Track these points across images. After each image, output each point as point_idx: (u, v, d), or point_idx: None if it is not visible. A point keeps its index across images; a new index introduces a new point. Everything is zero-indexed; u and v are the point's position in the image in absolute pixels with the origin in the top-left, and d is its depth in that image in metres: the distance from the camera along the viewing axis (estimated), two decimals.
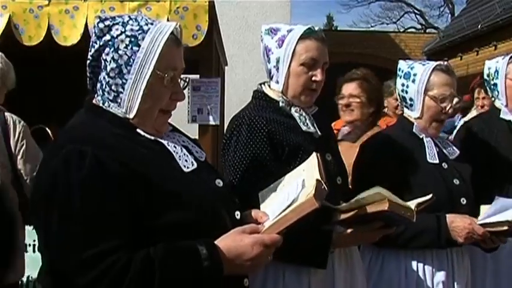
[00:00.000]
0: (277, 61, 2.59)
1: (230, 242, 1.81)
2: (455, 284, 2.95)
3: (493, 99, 3.74)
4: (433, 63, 3.05)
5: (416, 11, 35.80)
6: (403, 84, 3.05)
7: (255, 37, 2.68)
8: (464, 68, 17.15)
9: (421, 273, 2.90)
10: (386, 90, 5.26)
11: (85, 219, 1.67)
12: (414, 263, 2.91)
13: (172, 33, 1.90)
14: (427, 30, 32.32)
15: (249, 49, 10.82)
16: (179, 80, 1.96)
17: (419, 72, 3.00)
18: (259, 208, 2.06)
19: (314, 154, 2.09)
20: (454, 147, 3.10)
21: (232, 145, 2.51)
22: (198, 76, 5.76)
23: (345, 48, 19.75)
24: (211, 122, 5.49)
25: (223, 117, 6.40)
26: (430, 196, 2.51)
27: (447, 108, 2.99)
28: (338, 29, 35.37)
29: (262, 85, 2.70)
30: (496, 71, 3.61)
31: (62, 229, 1.68)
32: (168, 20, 4.98)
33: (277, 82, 2.62)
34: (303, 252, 2.43)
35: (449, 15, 32.85)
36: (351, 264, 2.65)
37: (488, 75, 3.69)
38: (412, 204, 2.43)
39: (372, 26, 35.76)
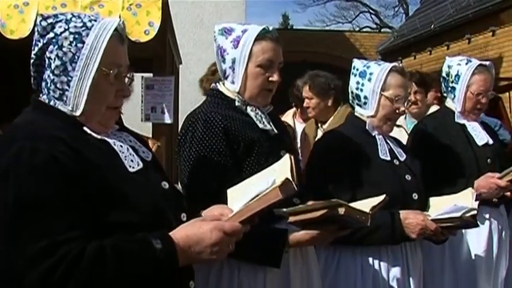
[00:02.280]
0: (233, 62, 2.57)
1: (189, 228, 1.80)
2: (410, 278, 3.00)
3: (445, 94, 3.78)
4: (389, 64, 3.09)
5: (371, 11, 36.20)
6: (358, 83, 3.07)
7: (210, 36, 2.67)
8: (418, 67, 17.37)
9: (377, 269, 2.93)
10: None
11: (38, 213, 1.65)
12: (370, 259, 2.93)
13: (116, 30, 1.89)
14: (382, 30, 32.69)
15: (204, 47, 10.79)
16: (124, 77, 1.94)
17: (375, 72, 3.03)
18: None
19: (287, 155, 2.07)
20: (402, 150, 3.14)
21: (188, 141, 2.49)
22: (151, 74, 5.71)
23: (301, 47, 19.84)
24: (165, 121, 5.45)
25: (177, 116, 6.36)
26: (383, 197, 2.55)
27: (401, 109, 3.04)
28: (294, 28, 35.51)
29: (217, 83, 2.68)
30: (458, 76, 3.64)
31: (15, 223, 1.65)
32: (120, 17, 4.91)
33: (233, 82, 2.61)
34: (257, 252, 2.42)
35: (404, 15, 33.28)
36: (306, 263, 2.65)
37: (447, 75, 3.72)
38: (367, 207, 2.45)
39: (327, 25, 36.02)
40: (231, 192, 2.05)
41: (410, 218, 2.87)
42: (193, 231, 1.78)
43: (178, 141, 2.56)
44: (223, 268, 2.47)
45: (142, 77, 5.76)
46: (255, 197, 1.84)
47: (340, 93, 4.60)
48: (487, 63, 3.69)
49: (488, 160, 3.58)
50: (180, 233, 1.77)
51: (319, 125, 4.74)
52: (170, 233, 1.76)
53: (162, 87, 5.45)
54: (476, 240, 3.51)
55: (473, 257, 3.52)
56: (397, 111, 3.03)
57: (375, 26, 35.85)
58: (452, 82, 3.67)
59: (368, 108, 3.06)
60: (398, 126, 4.23)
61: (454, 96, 3.67)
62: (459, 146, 3.57)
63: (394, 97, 3.01)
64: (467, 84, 3.60)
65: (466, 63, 3.64)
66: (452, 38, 16.50)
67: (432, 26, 17.46)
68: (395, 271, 2.95)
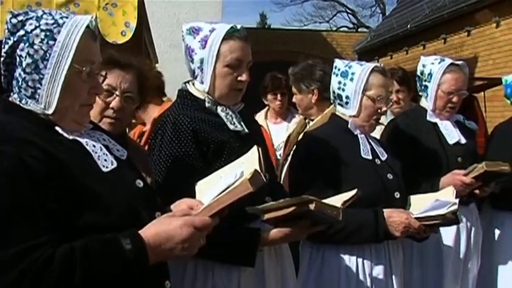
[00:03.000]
0: (201, 62, 2.56)
1: (158, 226, 1.78)
2: (393, 276, 3.02)
3: (420, 94, 3.80)
4: (371, 64, 3.12)
5: (348, 11, 36.36)
6: (339, 82, 3.09)
7: None
8: (394, 66, 17.48)
9: (360, 268, 2.95)
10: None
11: (6, 219, 1.63)
12: (354, 258, 2.95)
13: (88, 27, 1.87)
14: (359, 30, 32.83)
15: (180, 47, 10.67)
16: (97, 74, 1.92)
17: (357, 72, 3.05)
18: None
19: (255, 147, 2.08)
20: (383, 149, 3.16)
21: (158, 144, 2.48)
22: None
23: (278, 46, 19.88)
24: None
25: None
26: (354, 192, 2.57)
27: (383, 109, 3.06)
28: (271, 27, 35.53)
29: (187, 84, 2.67)
30: (430, 74, 3.67)
31: None
32: (96, 16, 4.88)
33: (202, 82, 2.60)
34: (231, 251, 2.42)
35: (381, 15, 33.48)
36: (281, 262, 2.66)
37: (421, 73, 3.75)
38: (338, 202, 2.47)
39: (304, 25, 36.10)
40: (199, 185, 2.05)
41: (394, 217, 2.90)
42: (163, 228, 1.77)
43: (149, 144, 2.56)
44: (197, 269, 2.47)
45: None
46: (224, 190, 1.83)
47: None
48: (460, 62, 3.73)
49: (459, 159, 3.61)
50: (150, 231, 1.76)
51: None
52: (140, 232, 1.75)
53: None
54: (443, 237, 3.54)
55: (440, 254, 3.55)
56: (379, 110, 3.06)
57: (352, 25, 36.02)
58: (425, 81, 3.70)
59: (350, 108, 3.08)
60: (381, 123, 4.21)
61: (427, 94, 3.70)
62: (430, 144, 3.61)
63: (376, 97, 3.03)
64: (439, 83, 3.64)
65: (439, 63, 3.67)
66: (428, 37, 16.63)
67: (408, 26, 17.58)
68: (379, 269, 2.97)
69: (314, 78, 3.99)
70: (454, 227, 3.52)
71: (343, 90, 3.07)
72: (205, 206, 1.84)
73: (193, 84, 2.65)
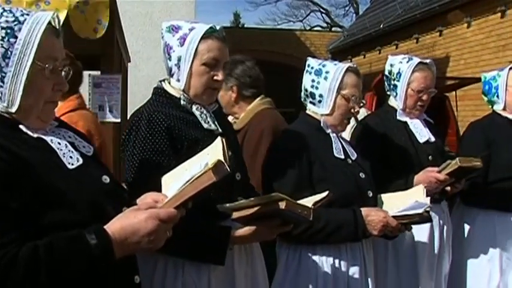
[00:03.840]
0: (179, 60, 2.56)
1: (123, 220, 1.77)
2: (368, 275, 3.05)
3: (388, 94, 3.82)
4: (345, 64, 3.12)
5: (322, 10, 36.53)
6: (313, 81, 3.09)
7: (159, 34, 2.64)
8: (367, 66, 17.60)
9: (337, 268, 2.96)
10: None
11: None
12: (330, 259, 2.96)
13: (50, 23, 1.85)
14: (333, 29, 32.99)
15: (153, 46, 10.69)
16: (61, 70, 1.90)
17: (331, 71, 3.06)
18: None
19: (219, 138, 2.06)
20: (353, 149, 3.18)
21: (131, 140, 2.48)
22: (99, 72, 5.63)
23: (252, 45, 19.85)
24: (113, 119, 5.38)
25: (126, 115, 6.30)
26: (326, 193, 2.58)
27: (355, 109, 3.08)
28: (245, 26, 35.55)
29: (163, 82, 2.67)
30: (399, 73, 3.69)
31: None
32: (68, 14, 4.83)
33: (178, 80, 2.60)
34: (201, 249, 2.42)
35: (354, 15, 33.66)
36: (251, 260, 2.66)
37: (390, 73, 3.76)
38: (309, 203, 2.48)
39: (278, 24, 36.21)
40: (165, 179, 2.04)
41: (372, 215, 2.92)
42: (128, 222, 1.76)
43: (123, 140, 2.54)
44: (167, 266, 2.47)
45: (89, 75, 5.68)
46: (188, 182, 1.83)
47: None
48: (428, 61, 3.75)
49: (430, 157, 3.63)
50: (115, 225, 1.75)
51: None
52: (105, 226, 1.74)
53: (109, 86, 5.39)
54: (418, 235, 3.56)
55: (415, 252, 3.58)
56: (352, 110, 3.07)
57: (325, 25, 36.19)
58: (394, 80, 3.72)
59: (323, 107, 3.08)
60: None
61: (396, 94, 3.72)
62: (401, 143, 3.63)
63: (350, 96, 3.04)
64: (408, 82, 3.65)
65: (407, 61, 3.69)
66: (401, 37, 16.75)
67: (381, 26, 17.69)
68: (354, 269, 2.99)
69: (233, 75, 3.77)
70: (428, 225, 3.54)
71: (317, 88, 3.08)
72: (169, 198, 1.84)
73: (169, 82, 2.65)
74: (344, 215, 2.88)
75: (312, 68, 3.11)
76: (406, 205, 2.97)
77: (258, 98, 3.78)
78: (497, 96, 4.00)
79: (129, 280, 1.92)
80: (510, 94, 3.95)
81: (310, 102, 3.14)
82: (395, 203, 3.01)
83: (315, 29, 33.66)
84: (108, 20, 4.94)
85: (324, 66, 3.08)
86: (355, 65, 3.20)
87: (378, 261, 3.36)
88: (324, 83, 3.05)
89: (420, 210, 2.91)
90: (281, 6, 49.46)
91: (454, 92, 11.57)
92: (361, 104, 3.15)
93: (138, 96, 7.47)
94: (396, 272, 3.57)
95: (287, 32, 24.76)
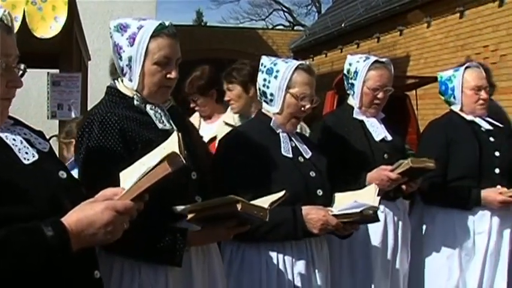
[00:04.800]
0: (130, 60, 2.52)
1: (80, 212, 1.76)
2: (316, 272, 3.04)
3: (348, 93, 3.85)
4: (296, 62, 3.12)
5: (284, 9, 36.67)
6: (264, 79, 3.10)
7: None
8: (329, 64, 17.72)
9: (281, 264, 2.95)
10: None
11: None
12: (274, 255, 2.96)
13: (1, 20, 1.82)
14: (295, 28, 33.12)
15: None
16: (15, 67, 1.88)
17: (282, 69, 3.06)
18: None
19: (175, 132, 2.06)
20: (308, 147, 3.18)
21: (85, 142, 2.44)
22: (58, 71, 5.56)
23: (214, 44, 19.85)
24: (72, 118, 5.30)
25: None
26: (283, 193, 2.58)
27: (306, 107, 3.07)
28: (207, 25, 35.47)
29: (116, 81, 2.63)
30: (356, 72, 3.71)
31: None
32: (24, 11, 4.76)
33: (131, 80, 2.56)
34: (158, 251, 2.40)
35: (317, 14, 33.85)
36: (208, 261, 2.65)
37: (348, 72, 3.78)
38: (266, 203, 2.48)
39: (241, 23, 36.24)
40: (123, 174, 2.03)
41: (311, 214, 2.92)
42: (84, 214, 1.75)
43: (76, 142, 2.51)
44: (124, 268, 2.44)
45: (48, 73, 5.61)
46: (144, 174, 1.83)
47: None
48: (384, 59, 3.77)
49: (385, 155, 3.65)
50: (72, 218, 1.74)
51: None
52: (62, 219, 1.73)
53: (69, 84, 5.33)
54: (371, 233, 3.58)
55: (369, 249, 3.59)
56: (303, 108, 3.07)
57: (288, 23, 36.31)
58: (351, 79, 3.74)
59: (274, 105, 3.09)
60: None
61: (354, 92, 3.74)
62: (356, 141, 3.64)
63: (299, 95, 3.04)
64: (364, 80, 3.67)
65: (364, 60, 3.71)
66: (362, 36, 16.89)
67: (343, 25, 17.81)
68: (300, 266, 2.98)
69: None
70: (382, 223, 3.56)
71: (268, 87, 3.08)
72: (126, 191, 1.83)
73: (121, 81, 2.61)
74: (283, 214, 2.86)
75: (265, 66, 3.11)
76: (347, 205, 2.97)
77: None
78: (454, 98, 4.05)
79: (88, 275, 1.91)
80: (466, 96, 4.00)
81: (264, 100, 3.15)
82: (345, 202, 3.02)
83: (278, 27, 33.75)
84: (66, 16, 4.87)
85: (275, 64, 3.08)
86: (308, 63, 3.20)
87: (333, 261, 3.37)
88: (274, 81, 3.05)
89: (358, 210, 2.90)
90: (244, 5, 49.51)
91: (414, 91, 11.69)
92: (315, 102, 3.14)
93: (98, 95, 7.37)
94: (351, 271, 3.58)
95: (249, 30, 24.76)
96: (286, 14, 36.84)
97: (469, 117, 4.02)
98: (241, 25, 34.45)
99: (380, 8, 15.82)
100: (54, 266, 1.70)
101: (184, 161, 1.87)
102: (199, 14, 42.16)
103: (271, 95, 3.07)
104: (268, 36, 22.99)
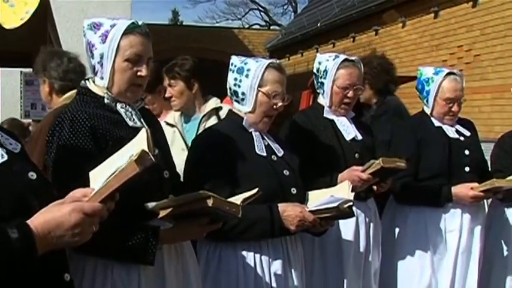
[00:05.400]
0: (101, 57, 2.52)
1: (47, 213, 1.73)
2: (292, 270, 3.04)
3: (318, 92, 3.85)
4: (266, 61, 3.12)
5: (260, 8, 36.71)
6: (235, 79, 3.09)
7: None
8: (304, 64, 17.77)
9: (258, 264, 2.95)
10: None
11: None
12: (251, 254, 2.95)
13: None
14: (271, 27, 33.17)
15: None
16: None
17: (253, 68, 3.05)
18: None
19: (143, 129, 2.06)
20: (280, 146, 3.18)
21: (55, 141, 2.43)
22: (31, 69, 5.49)
23: (190, 43, 19.80)
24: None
25: None
26: (256, 190, 2.59)
27: (278, 105, 3.06)
28: (183, 24, 35.39)
29: (87, 81, 2.63)
30: (325, 71, 3.69)
31: None
32: None
33: (102, 78, 2.56)
34: (130, 250, 2.39)
35: (293, 13, 33.92)
36: (182, 259, 2.64)
37: (317, 71, 3.77)
38: (238, 200, 2.48)
39: (217, 22, 36.21)
40: (93, 174, 2.01)
41: (288, 211, 2.91)
42: (51, 216, 1.72)
43: (47, 141, 2.49)
44: (96, 268, 2.43)
45: (21, 72, 5.55)
46: (113, 174, 1.81)
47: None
48: (354, 58, 3.77)
49: (356, 155, 3.66)
50: (38, 219, 1.71)
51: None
52: (28, 221, 1.70)
53: None
54: (343, 232, 3.59)
55: (340, 249, 3.60)
56: (275, 106, 3.06)
57: (264, 23, 36.36)
58: (321, 78, 3.73)
59: (246, 105, 3.08)
60: None
61: (323, 91, 3.73)
62: (327, 141, 3.64)
63: (271, 92, 3.04)
64: (334, 79, 3.66)
65: (334, 59, 3.70)
66: (338, 36, 16.96)
67: (319, 25, 17.88)
68: (277, 265, 2.98)
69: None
70: (353, 223, 3.58)
71: (239, 86, 3.08)
72: (95, 192, 1.81)
73: (93, 81, 2.61)
74: (260, 212, 2.87)
75: (235, 66, 3.11)
76: (323, 200, 2.97)
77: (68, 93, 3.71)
78: (427, 101, 4.07)
79: (58, 278, 1.88)
80: (438, 105, 4.03)
81: (235, 100, 3.14)
82: (320, 199, 3.02)
83: (254, 27, 33.77)
84: (36, 7, 4.80)
85: (245, 64, 3.08)
86: (278, 61, 3.20)
87: (305, 262, 3.36)
88: (246, 80, 3.05)
89: (335, 204, 2.91)
90: (220, 4, 49.41)
91: None
92: (287, 100, 3.13)
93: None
94: (323, 271, 3.59)
95: (226, 30, 24.77)
96: (262, 13, 36.91)
97: (437, 124, 4.06)
98: (217, 24, 34.44)
99: (355, 8, 15.90)
100: (21, 270, 1.66)
101: (153, 159, 1.86)
102: (175, 13, 42.06)
103: (243, 94, 3.07)
104: (244, 35, 23.00)
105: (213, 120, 4.07)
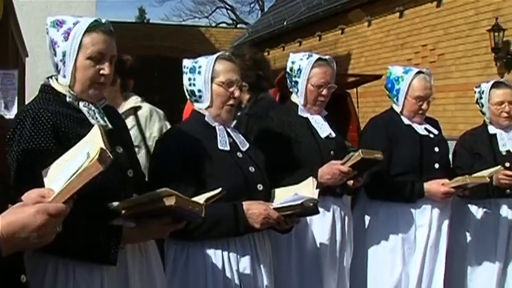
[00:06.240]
0: (64, 55, 2.49)
1: (10, 215, 1.70)
2: (261, 268, 3.04)
3: (290, 91, 3.87)
4: (214, 55, 3.14)
5: (227, 7, 36.65)
6: (189, 79, 3.12)
7: None
8: (271, 62, 17.77)
9: (226, 262, 2.95)
10: None
11: None
12: (219, 252, 2.94)
13: None
14: (238, 26, 33.15)
15: None
16: None
17: (203, 64, 3.08)
18: None
19: (96, 126, 2.06)
20: (245, 140, 3.19)
21: (16, 139, 2.40)
22: None
23: (156, 41, 19.69)
24: (8, 116, 5.17)
25: None
26: (219, 190, 2.58)
27: (235, 94, 3.09)
28: (150, 22, 35.20)
29: (50, 79, 2.60)
30: (299, 70, 3.74)
31: None
32: None
33: (65, 76, 2.53)
34: (92, 249, 2.37)
35: (260, 12, 33.94)
36: (146, 258, 2.62)
37: (291, 70, 3.81)
38: (201, 199, 2.47)
39: (184, 20, 36.06)
40: (46, 172, 1.99)
41: (253, 209, 2.92)
42: (15, 218, 1.69)
43: (8, 140, 2.45)
44: (58, 268, 2.39)
45: None
46: (74, 174, 1.80)
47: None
48: (327, 57, 3.82)
49: (331, 152, 3.69)
50: (1, 222, 1.68)
51: None
52: None
53: (4, 81, 5.18)
54: (320, 229, 3.62)
55: (317, 245, 3.62)
56: (232, 95, 3.08)
57: (231, 21, 36.32)
58: (295, 76, 3.77)
59: (204, 101, 3.10)
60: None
61: (298, 90, 3.78)
62: (303, 139, 3.68)
63: (225, 81, 3.06)
64: (308, 77, 3.71)
65: (307, 58, 3.75)
66: (304, 35, 17.04)
67: (285, 23, 17.93)
68: (245, 262, 2.98)
69: None
70: (330, 219, 3.63)
71: (194, 85, 3.10)
72: (58, 192, 1.79)
73: (56, 79, 2.57)
74: (224, 210, 2.87)
75: (187, 67, 3.14)
76: (287, 198, 2.98)
77: None
78: (397, 100, 4.12)
79: (14, 279, 1.85)
80: (409, 103, 4.09)
81: (194, 100, 3.16)
82: (285, 196, 3.02)
83: (221, 25, 33.72)
84: (1, 13, 4.74)
85: (196, 62, 3.11)
86: (227, 53, 3.22)
87: (281, 254, 3.39)
88: (199, 77, 3.07)
89: (299, 202, 2.91)
90: (187, 3, 49.42)
91: (355, 89, 11.85)
92: (245, 88, 3.15)
93: (36, 92, 7.23)
94: (299, 269, 3.61)
95: (192, 28, 24.68)
96: (229, 11, 36.87)
97: (406, 122, 4.12)
98: (184, 23, 34.28)
99: (322, 7, 15.97)
100: None
101: (111, 156, 1.85)
102: (141, 11, 41.81)
103: (199, 91, 3.09)
104: (211, 34, 22.95)
105: (130, 121, 4.04)
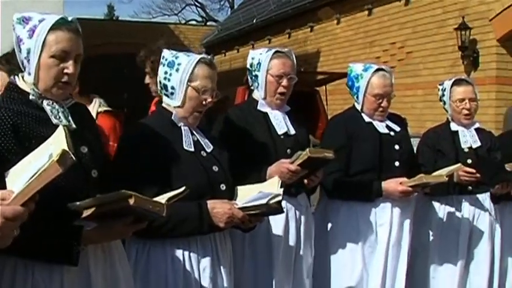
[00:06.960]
0: (28, 52, 2.46)
1: None
2: (221, 267, 3.04)
3: (252, 88, 3.87)
4: (197, 56, 3.10)
5: (197, 4, 36.54)
6: (166, 72, 3.07)
7: None
8: (240, 60, 17.78)
9: (187, 261, 2.94)
10: None
11: None
12: (180, 252, 2.93)
13: None
14: (208, 23, 33.08)
15: None
16: None
17: (183, 63, 3.04)
18: None
19: (61, 127, 2.04)
20: (210, 141, 3.17)
21: None
22: None
23: (125, 38, 19.55)
24: None
25: None
26: (182, 189, 2.57)
27: (207, 101, 3.06)
28: (119, 19, 34.95)
29: (16, 76, 2.56)
30: (259, 63, 3.73)
31: None
32: None
33: (29, 74, 2.50)
34: (51, 249, 2.33)
35: (229, 9, 33.90)
36: (110, 260, 2.59)
37: (251, 65, 3.81)
38: (164, 198, 2.46)
39: (153, 17, 35.86)
40: (9, 174, 1.97)
41: (217, 208, 2.91)
42: None
43: None
44: (16, 268, 2.35)
45: None
46: (34, 175, 1.77)
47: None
48: (285, 50, 3.83)
49: (288, 150, 3.66)
50: None
51: None
52: None
53: None
54: (273, 228, 3.60)
55: (270, 247, 3.60)
56: (204, 102, 3.06)
57: (200, 19, 36.23)
58: (255, 71, 3.77)
59: (175, 99, 3.07)
60: None
61: (258, 84, 3.77)
62: (259, 135, 3.65)
63: (201, 88, 3.03)
64: (267, 69, 3.71)
65: (266, 52, 3.76)
66: (274, 32, 17.07)
67: (254, 21, 17.94)
68: (205, 262, 2.97)
69: None
70: (283, 219, 3.60)
71: (169, 80, 3.06)
72: (16, 194, 1.76)
73: (22, 77, 2.54)
74: (188, 209, 2.86)
75: (166, 59, 3.09)
76: (252, 197, 2.97)
77: None
78: (357, 98, 4.14)
79: None
80: (368, 101, 4.09)
81: (165, 94, 3.12)
82: (249, 195, 3.01)
83: (190, 23, 33.61)
84: None
85: (176, 58, 3.07)
86: (210, 57, 3.20)
87: (235, 258, 3.36)
88: (176, 74, 3.04)
89: (264, 201, 2.91)
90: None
91: (324, 87, 11.91)
92: (216, 96, 3.12)
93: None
94: (253, 269, 3.60)
95: (161, 25, 24.56)
96: (199, 9, 36.76)
97: (367, 119, 4.13)
98: (153, 20, 34.08)
99: (291, 5, 16.02)
100: None
101: (74, 158, 1.83)
102: (110, 8, 41.48)
103: (172, 88, 3.06)
104: (181, 31, 22.87)
105: None
